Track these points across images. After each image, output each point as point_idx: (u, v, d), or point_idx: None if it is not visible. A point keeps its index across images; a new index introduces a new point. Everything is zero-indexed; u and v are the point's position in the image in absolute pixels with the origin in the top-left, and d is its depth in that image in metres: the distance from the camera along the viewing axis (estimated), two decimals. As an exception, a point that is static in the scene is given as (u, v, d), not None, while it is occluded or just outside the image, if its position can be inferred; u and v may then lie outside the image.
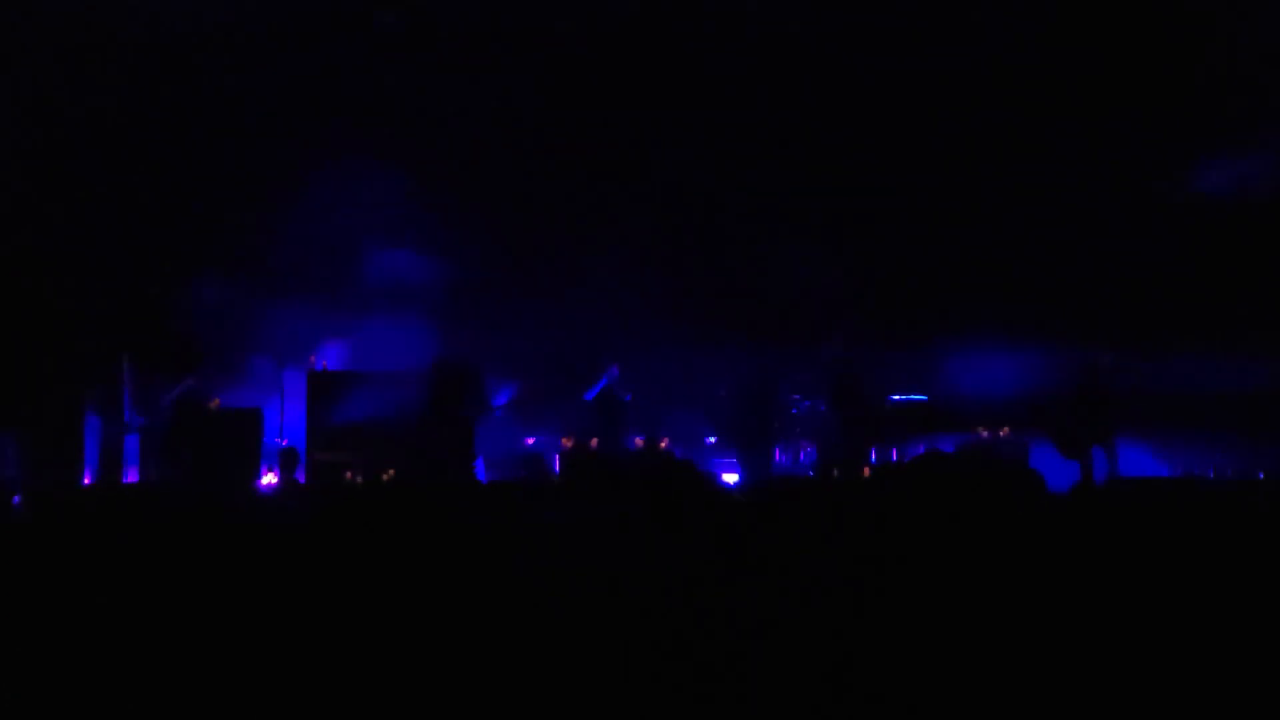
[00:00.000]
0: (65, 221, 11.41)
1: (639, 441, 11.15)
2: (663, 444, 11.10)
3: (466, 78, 12.08)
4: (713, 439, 11.95)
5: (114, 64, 11.34)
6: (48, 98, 11.18)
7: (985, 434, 10.69)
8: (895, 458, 11.15)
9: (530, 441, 11.89)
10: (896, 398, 11.36)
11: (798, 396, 10.47)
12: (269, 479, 10.26)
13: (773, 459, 10.93)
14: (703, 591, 2.48)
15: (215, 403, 10.00)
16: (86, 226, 11.49)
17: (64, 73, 11.07)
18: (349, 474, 9.82)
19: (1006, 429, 10.66)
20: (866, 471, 9.74)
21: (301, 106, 11.81)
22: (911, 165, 12.20)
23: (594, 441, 11.03)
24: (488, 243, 12.21)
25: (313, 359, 11.34)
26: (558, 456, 10.87)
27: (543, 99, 12.01)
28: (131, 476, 9.89)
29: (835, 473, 10.12)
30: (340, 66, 11.98)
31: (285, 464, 10.11)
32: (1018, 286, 11.54)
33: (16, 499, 5.43)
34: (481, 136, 12.32)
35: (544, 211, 12.69)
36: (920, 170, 12.20)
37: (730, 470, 10.76)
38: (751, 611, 2.25)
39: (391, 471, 9.63)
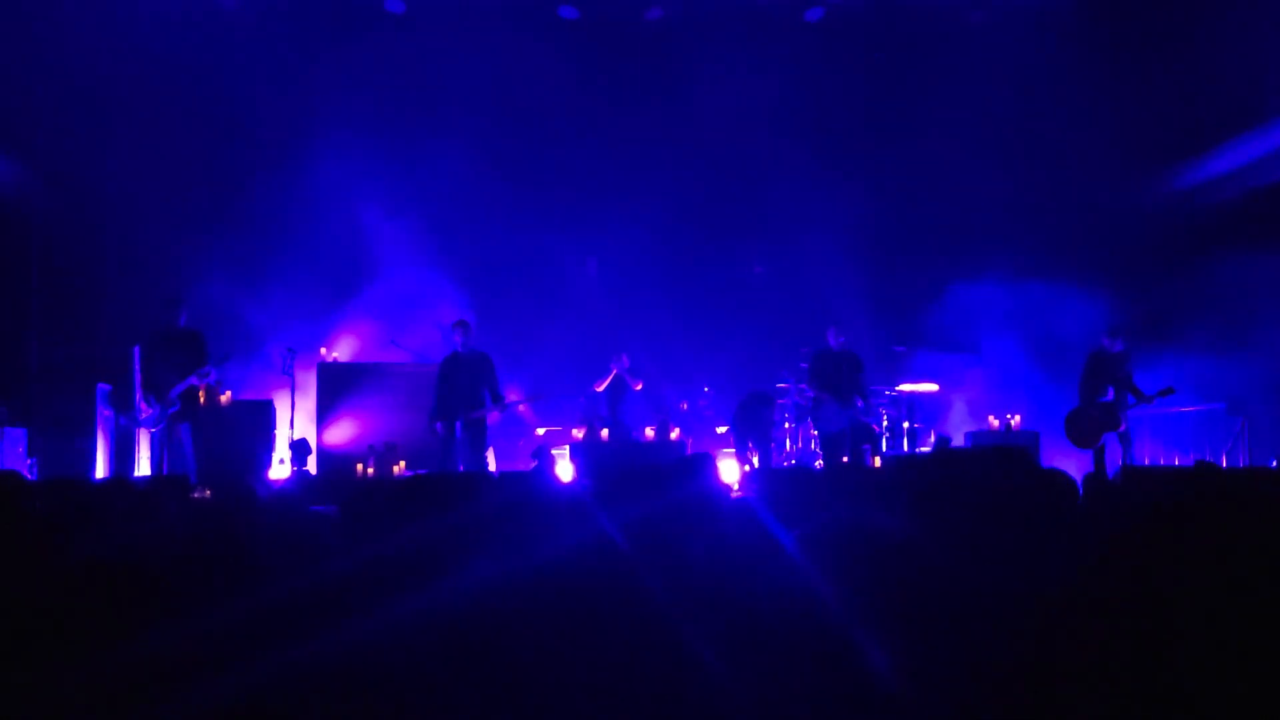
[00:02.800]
0: (73, 216, 11.45)
1: (649, 431, 11.13)
2: (674, 434, 11.07)
3: (477, 64, 12.07)
4: (723, 428, 11.93)
5: (116, 59, 11.37)
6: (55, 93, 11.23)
7: (997, 424, 10.64)
8: (905, 448, 11.13)
9: (541, 433, 11.90)
10: (906, 386, 11.32)
11: (803, 386, 10.44)
12: (280, 471, 10.28)
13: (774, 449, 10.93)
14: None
15: (226, 395, 10.01)
16: (95, 220, 11.53)
17: (65, 70, 11.09)
18: (360, 466, 9.82)
19: (1018, 418, 10.61)
20: (877, 462, 9.71)
21: (307, 93, 11.82)
22: (915, 155, 12.18)
23: (604, 432, 11.02)
24: (497, 232, 12.21)
25: (323, 350, 11.36)
26: (569, 447, 10.86)
27: (556, 85, 12.01)
28: (143, 470, 9.92)
29: (845, 460, 10.09)
30: (349, 52, 11.99)
31: (296, 456, 10.13)
32: (1025, 271, 11.51)
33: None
34: (490, 124, 12.31)
35: (554, 198, 12.69)
36: (925, 155, 12.15)
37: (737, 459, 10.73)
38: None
39: (403, 464, 9.63)
